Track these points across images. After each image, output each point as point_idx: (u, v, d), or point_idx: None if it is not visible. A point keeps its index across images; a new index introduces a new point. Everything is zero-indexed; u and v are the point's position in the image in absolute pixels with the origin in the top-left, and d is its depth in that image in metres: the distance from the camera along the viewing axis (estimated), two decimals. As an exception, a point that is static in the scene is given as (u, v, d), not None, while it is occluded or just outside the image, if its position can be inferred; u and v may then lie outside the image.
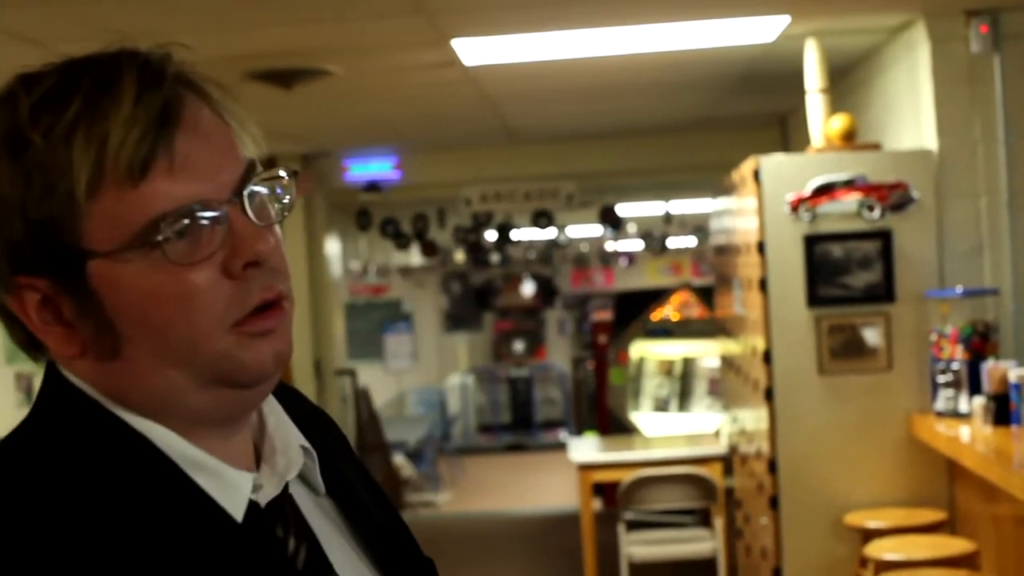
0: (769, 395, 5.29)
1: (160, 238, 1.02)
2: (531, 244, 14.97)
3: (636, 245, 15.26)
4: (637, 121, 8.91)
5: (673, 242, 15.02)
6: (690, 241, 15.22)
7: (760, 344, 5.37)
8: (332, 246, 10.03)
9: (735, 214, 6.10)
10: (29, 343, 1.08)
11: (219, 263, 1.04)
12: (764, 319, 5.30)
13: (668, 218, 11.07)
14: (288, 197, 1.11)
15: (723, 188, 6.79)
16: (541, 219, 10.67)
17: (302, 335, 9.00)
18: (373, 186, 9.66)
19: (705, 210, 12.10)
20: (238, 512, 1.07)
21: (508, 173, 9.77)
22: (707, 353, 8.95)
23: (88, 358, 1.06)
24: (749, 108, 8.54)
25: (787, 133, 9.11)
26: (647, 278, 20.55)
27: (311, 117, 7.26)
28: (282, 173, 1.11)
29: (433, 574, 1.30)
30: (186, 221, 1.02)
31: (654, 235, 14.28)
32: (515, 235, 12.29)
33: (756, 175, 5.30)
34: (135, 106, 1.02)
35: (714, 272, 7.62)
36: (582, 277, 20.78)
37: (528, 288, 16.97)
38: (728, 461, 7.06)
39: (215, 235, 1.04)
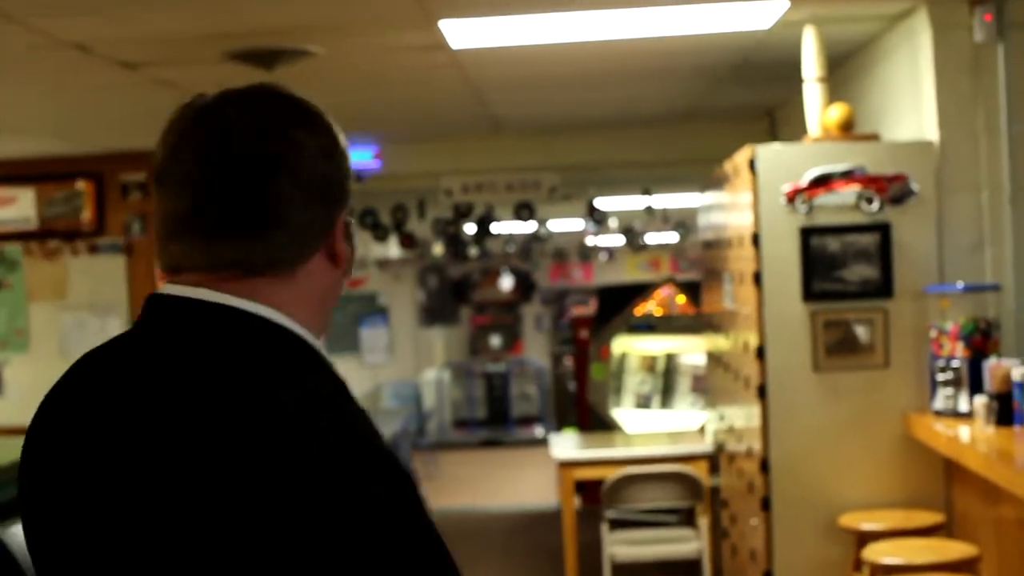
0: (762, 392, 5.12)
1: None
2: (511, 238, 14.77)
3: (616, 240, 15.08)
4: (622, 112, 8.74)
5: (653, 238, 14.85)
6: (671, 237, 15.04)
7: (753, 340, 5.21)
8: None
9: (727, 206, 5.94)
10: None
11: None
12: (758, 314, 5.14)
13: (650, 212, 10.90)
14: None
15: (712, 180, 6.63)
16: (523, 211, 10.49)
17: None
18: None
19: (688, 205, 11.94)
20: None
21: (491, 164, 9.59)
22: (691, 349, 8.79)
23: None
24: (737, 100, 8.38)
25: (775, 126, 8.96)
26: (626, 274, 20.41)
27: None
28: None
29: None
30: None
31: (635, 230, 14.10)
32: (495, 228, 12.09)
33: (752, 165, 5.14)
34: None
35: (701, 267, 7.46)
36: (560, 272, 20.58)
37: (506, 282, 16.77)
38: (714, 459, 6.91)
39: None
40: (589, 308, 20.80)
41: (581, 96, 7.83)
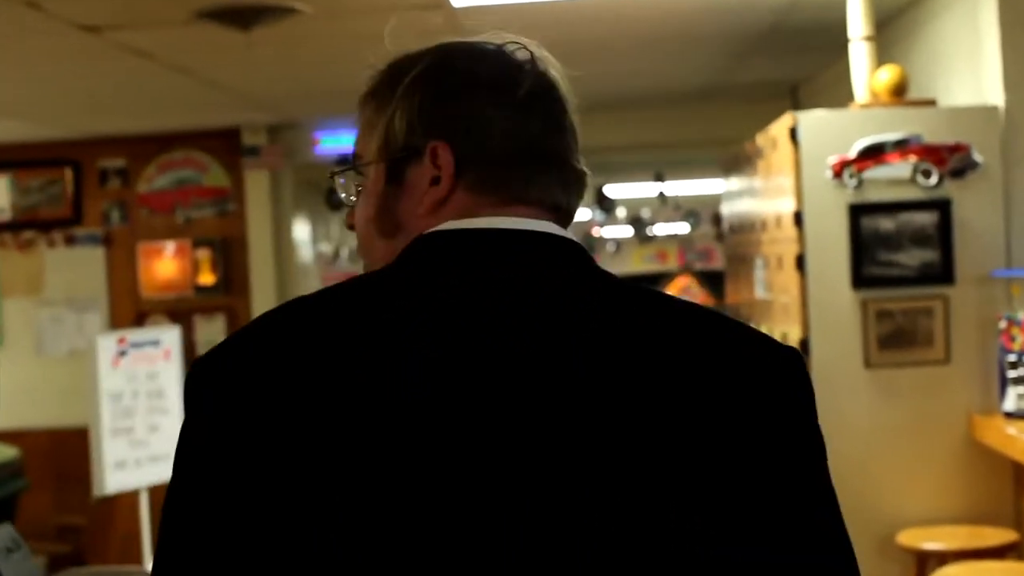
0: (806, 392, 4.51)
1: None
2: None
3: (624, 231, 14.46)
4: (634, 91, 8.14)
5: (662, 228, 14.24)
6: (680, 227, 14.44)
7: (794, 332, 4.60)
8: (301, 228, 9.20)
9: (757, 185, 5.34)
10: None
11: None
12: (801, 303, 4.53)
13: (663, 199, 10.28)
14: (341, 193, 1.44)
15: (736, 161, 6.06)
16: (528, 198, 9.86)
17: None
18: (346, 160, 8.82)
19: (701, 192, 11.35)
20: None
21: (493, 147, 8.98)
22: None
23: None
24: (759, 75, 7.78)
25: (798, 105, 8.35)
26: (631, 266, 19.83)
27: (275, 73, 6.45)
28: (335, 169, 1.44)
29: None
30: None
31: (643, 220, 13.50)
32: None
33: (793, 135, 4.53)
34: None
35: (725, 253, 6.86)
36: (564, 265, 19.99)
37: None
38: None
39: None
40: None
41: (590, 70, 7.20)
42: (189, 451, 1.20)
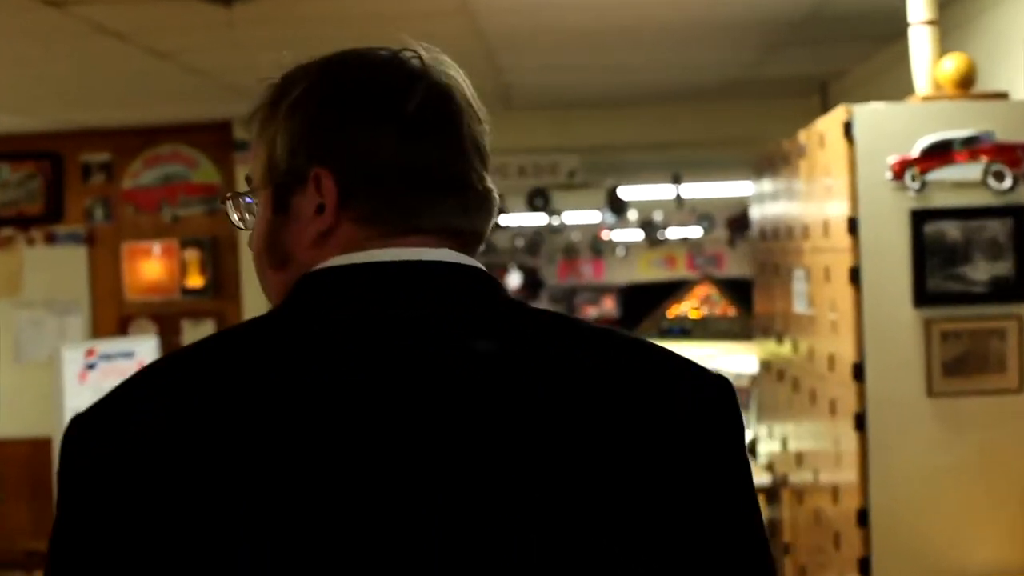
0: (860, 423, 3.96)
1: None
2: (519, 231, 13.64)
3: (634, 235, 13.93)
4: (653, 85, 7.63)
5: (674, 232, 13.71)
6: (693, 231, 13.91)
7: (846, 354, 4.06)
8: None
9: (801, 185, 4.81)
10: None
11: None
12: (854, 322, 3.97)
13: (679, 202, 9.74)
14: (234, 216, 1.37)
15: (769, 161, 5.54)
16: (537, 199, 9.33)
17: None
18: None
19: (718, 194, 10.83)
20: None
21: (501, 145, 8.37)
22: (732, 357, 7.66)
23: None
24: (787, 70, 7.26)
25: (828, 102, 7.82)
26: (639, 271, 19.32)
27: (264, 60, 5.90)
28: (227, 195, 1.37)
29: None
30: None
31: (655, 223, 12.97)
32: (503, 219, 10.94)
33: (847, 130, 3.98)
34: None
35: (754, 261, 6.32)
36: (570, 269, 19.56)
37: (514, 280, 15.73)
38: (772, 492, 5.78)
39: None
40: (601, 307, 19.76)
41: (606, 61, 6.72)
42: (71, 517, 1.14)
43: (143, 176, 8.32)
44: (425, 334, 1.16)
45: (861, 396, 3.96)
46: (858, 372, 3.96)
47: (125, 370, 5.19)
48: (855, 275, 3.97)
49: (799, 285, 4.85)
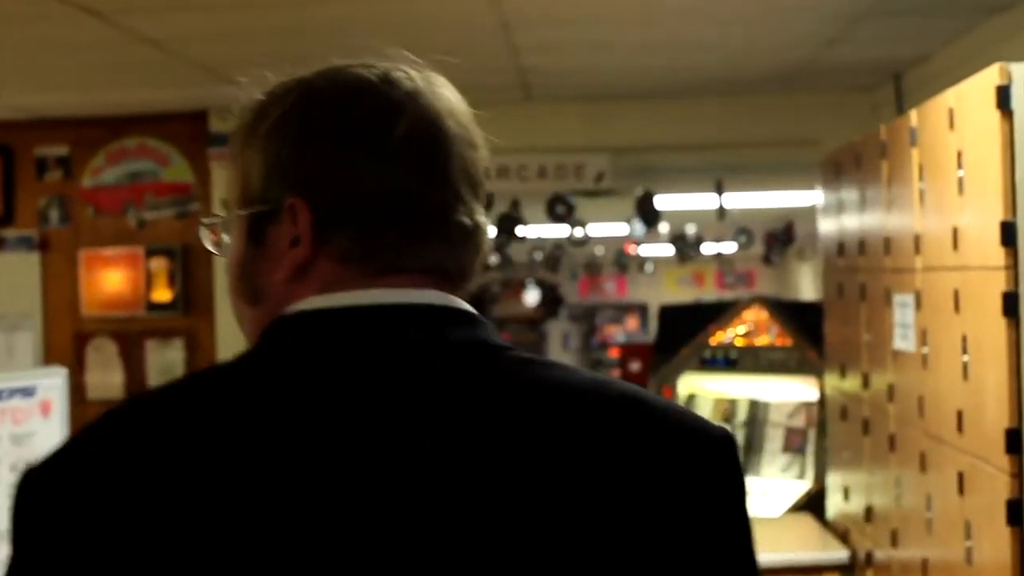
0: (1016, 514, 2.80)
1: None
2: (538, 243, 12.55)
3: (662, 249, 12.80)
4: (696, 72, 6.59)
5: (709, 247, 12.59)
6: (727, 247, 12.78)
7: (992, 414, 2.92)
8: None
9: (897, 190, 3.69)
10: None
11: None
12: (1011, 368, 2.83)
13: (722, 214, 8.63)
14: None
15: (836, 165, 4.48)
16: (558, 206, 8.23)
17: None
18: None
19: (762, 204, 9.74)
20: None
21: (519, 142, 7.39)
22: (786, 394, 6.55)
23: None
24: (857, 55, 6.19)
25: (902, 97, 6.71)
26: (665, 288, 18.21)
27: (244, 37, 4.94)
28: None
29: None
30: None
31: (687, 236, 11.85)
32: (521, 231, 9.84)
33: (1003, 96, 2.84)
34: None
35: (828, 281, 5.19)
36: (591, 285, 18.55)
37: (531, 296, 14.75)
38: (847, 569, 4.67)
39: None
40: (625, 328, 18.67)
41: (641, 40, 5.68)
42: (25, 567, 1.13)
43: (106, 173, 7.57)
44: (408, 388, 1.14)
45: (1019, 475, 2.81)
46: (1013, 441, 2.81)
47: (21, 411, 4.00)
48: (1011, 303, 2.83)
49: (903, 313, 3.72)
